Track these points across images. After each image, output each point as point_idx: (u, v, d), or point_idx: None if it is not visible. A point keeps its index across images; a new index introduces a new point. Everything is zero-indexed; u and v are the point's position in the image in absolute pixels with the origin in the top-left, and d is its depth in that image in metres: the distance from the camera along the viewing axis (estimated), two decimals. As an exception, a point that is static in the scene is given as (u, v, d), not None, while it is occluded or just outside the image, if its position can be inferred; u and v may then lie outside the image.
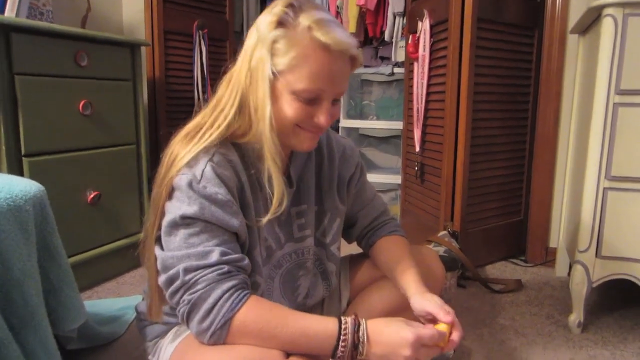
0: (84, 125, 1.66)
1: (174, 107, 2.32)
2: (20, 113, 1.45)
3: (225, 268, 0.76)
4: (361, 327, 0.77)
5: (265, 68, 0.77)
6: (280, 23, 0.78)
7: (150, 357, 0.98)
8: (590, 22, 1.55)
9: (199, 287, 0.75)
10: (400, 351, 0.75)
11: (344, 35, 0.79)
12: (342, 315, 1.13)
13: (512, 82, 1.97)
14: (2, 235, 0.83)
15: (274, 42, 0.77)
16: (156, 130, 2.27)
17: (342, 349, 0.76)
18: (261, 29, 0.79)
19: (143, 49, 2.11)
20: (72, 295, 1.02)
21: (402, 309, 1.09)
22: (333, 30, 0.78)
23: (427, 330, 0.78)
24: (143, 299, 1.03)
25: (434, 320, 0.86)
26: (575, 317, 1.43)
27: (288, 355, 0.78)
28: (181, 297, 0.76)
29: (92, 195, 1.68)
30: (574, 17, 1.85)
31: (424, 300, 0.88)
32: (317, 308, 1.13)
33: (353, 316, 0.78)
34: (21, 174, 1.47)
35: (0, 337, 0.78)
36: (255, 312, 0.76)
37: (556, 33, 1.90)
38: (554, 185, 2.01)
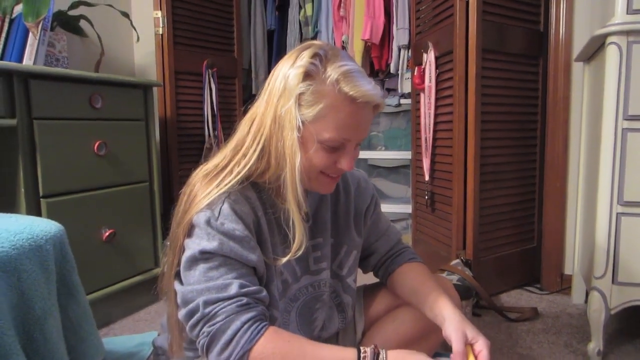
0: (99, 165, 1.70)
1: (185, 144, 2.37)
2: (39, 156, 1.49)
3: (245, 300, 0.78)
4: (380, 356, 0.77)
5: (294, 119, 0.79)
6: (308, 75, 0.80)
7: (167, 393, 0.98)
8: (595, 50, 1.58)
9: (218, 319, 0.76)
10: None
11: (369, 87, 0.81)
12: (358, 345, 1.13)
13: (520, 110, 1.99)
14: (24, 275, 0.85)
15: (302, 94, 0.79)
16: (168, 167, 2.31)
17: None
18: (289, 80, 0.80)
19: (155, 89, 2.17)
20: (91, 332, 1.03)
21: (418, 340, 1.09)
22: (359, 83, 0.80)
23: None
24: (159, 334, 1.04)
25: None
26: (595, 345, 1.40)
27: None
28: (201, 329, 0.77)
29: (107, 233, 1.70)
30: (578, 45, 1.89)
31: (463, 322, 0.88)
32: (332, 340, 1.13)
33: (372, 346, 0.78)
34: (39, 214, 1.50)
35: (22, 377, 0.79)
36: (274, 343, 0.77)
37: (561, 61, 1.94)
38: (567, 212, 2.00)
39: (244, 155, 0.85)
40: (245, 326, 0.76)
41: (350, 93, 0.79)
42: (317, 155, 0.83)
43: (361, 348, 0.78)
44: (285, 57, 0.84)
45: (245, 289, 0.79)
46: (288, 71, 0.81)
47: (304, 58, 0.80)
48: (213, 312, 0.76)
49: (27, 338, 0.85)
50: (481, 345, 0.85)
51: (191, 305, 0.78)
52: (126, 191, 1.82)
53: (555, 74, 1.95)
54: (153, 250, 1.94)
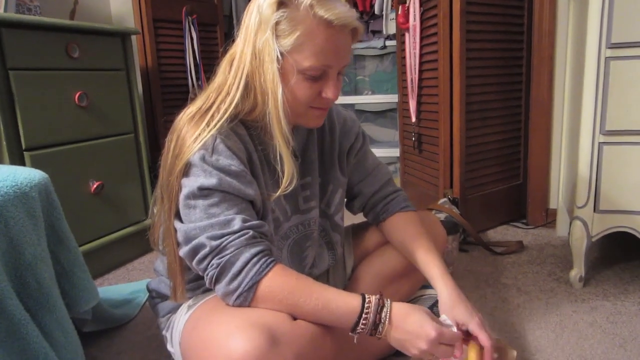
0: (82, 116, 1.67)
1: (168, 94, 2.33)
2: (18, 108, 1.46)
3: (250, 233, 0.79)
4: (384, 309, 0.79)
5: (272, 50, 0.78)
6: (281, 3, 0.78)
7: (164, 332, 1.01)
8: (578, -21, 1.55)
9: (227, 251, 0.77)
10: (418, 342, 0.77)
11: (344, 9, 0.80)
12: (348, 281, 1.16)
13: (505, 46, 1.97)
14: (12, 222, 0.86)
15: (277, 23, 0.78)
16: (153, 118, 2.29)
17: (363, 326, 0.78)
18: (263, 11, 0.79)
19: (134, 38, 2.10)
20: (83, 277, 1.05)
21: (406, 274, 1.12)
22: (334, 6, 0.79)
23: (449, 332, 0.80)
24: (156, 277, 1.06)
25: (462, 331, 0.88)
26: (576, 272, 1.46)
27: (295, 318, 0.80)
28: (210, 262, 0.78)
29: (95, 185, 1.70)
30: (562, -23, 1.85)
31: (458, 309, 0.89)
32: (323, 277, 1.16)
33: (378, 295, 0.79)
34: (24, 167, 1.49)
35: (19, 319, 0.81)
36: (282, 279, 0.79)
37: (546, -6, 1.90)
38: (552, 148, 2.02)
39: (228, 93, 0.84)
40: (255, 258, 0.78)
41: (326, 16, 0.77)
42: (300, 87, 0.82)
43: (366, 296, 0.79)
44: None
45: (249, 223, 0.80)
46: (262, 2, 0.79)
47: None
48: (222, 245, 0.77)
49: (20, 283, 0.86)
50: (474, 327, 0.87)
51: (195, 242, 0.79)
52: (112, 143, 1.80)
53: (540, 8, 1.91)
54: (143, 201, 1.95)
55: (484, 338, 0.85)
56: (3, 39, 1.42)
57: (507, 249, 1.78)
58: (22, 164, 1.49)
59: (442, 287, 0.93)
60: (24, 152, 1.49)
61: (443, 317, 0.90)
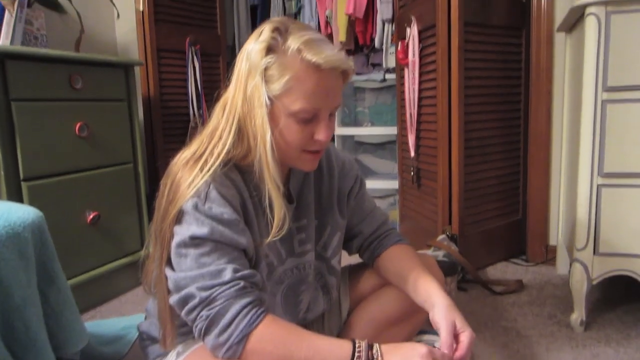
0: (81, 147, 1.68)
1: (169, 123, 2.34)
2: (18, 138, 1.46)
3: (241, 284, 0.78)
4: (375, 345, 0.77)
5: (261, 95, 0.79)
6: (270, 49, 0.79)
7: (153, 376, 0.98)
8: (575, 20, 1.57)
9: (217, 302, 0.76)
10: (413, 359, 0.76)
11: (333, 52, 0.80)
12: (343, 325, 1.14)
13: (503, 82, 1.98)
14: (2, 263, 0.84)
15: (266, 69, 0.79)
16: (153, 147, 2.29)
17: None
18: (252, 58, 0.80)
19: (137, 68, 2.13)
20: (72, 319, 1.03)
21: (403, 319, 1.10)
22: (322, 49, 0.79)
23: (440, 352, 0.79)
24: (146, 318, 1.04)
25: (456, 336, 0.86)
26: (577, 315, 1.43)
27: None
28: (199, 313, 0.77)
29: (91, 216, 1.69)
30: (560, 16, 1.87)
31: (452, 310, 0.88)
32: (318, 322, 1.14)
33: (366, 340, 0.78)
34: (20, 198, 1.49)
35: (3, 365, 0.79)
36: (272, 330, 0.77)
37: (543, 32, 1.92)
38: (551, 183, 2.02)
39: (220, 138, 0.84)
40: (245, 310, 0.76)
41: (314, 60, 0.78)
42: (291, 130, 0.82)
43: (356, 341, 0.78)
44: (249, 38, 0.83)
45: (240, 273, 0.79)
46: (251, 49, 0.80)
47: (265, 33, 0.80)
48: (212, 296, 0.76)
49: (6, 327, 0.84)
50: (465, 337, 0.85)
51: (185, 292, 0.77)
52: (110, 173, 1.80)
53: (537, 45, 1.94)
54: (139, 231, 1.93)
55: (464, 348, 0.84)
56: (7, 70, 1.43)
57: (506, 288, 1.76)
58: (19, 194, 1.49)
59: (440, 297, 0.91)
60: (22, 182, 1.49)
61: (436, 345, 0.88)
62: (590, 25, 1.30)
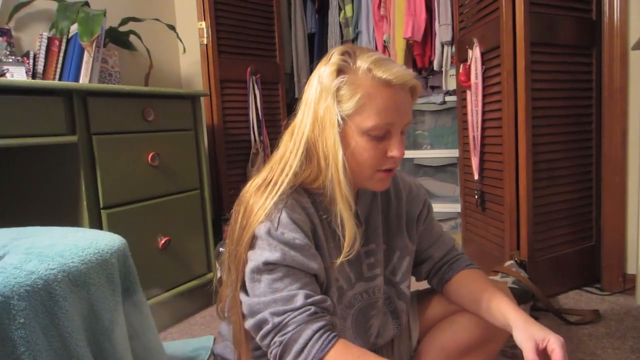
0: (153, 175, 1.76)
1: (232, 150, 2.42)
2: (98, 169, 1.56)
3: (312, 309, 0.79)
4: None
5: (333, 116, 0.81)
6: (341, 70, 0.82)
7: (227, 400, 1.00)
8: (652, 38, 1.50)
9: (289, 328, 0.78)
10: None
11: (402, 69, 0.83)
12: (414, 352, 1.12)
13: (573, 103, 1.91)
14: (93, 288, 0.89)
15: (338, 89, 0.82)
16: (217, 174, 2.37)
17: None
18: (323, 80, 0.83)
19: (202, 98, 2.23)
20: (154, 340, 1.07)
21: (476, 347, 1.07)
22: (391, 67, 0.82)
23: None
24: (216, 341, 1.07)
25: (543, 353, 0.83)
26: (665, 349, 1.33)
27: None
28: (272, 339, 0.79)
29: (163, 241, 1.76)
30: (634, 34, 1.80)
31: (530, 326, 0.84)
32: (388, 347, 1.12)
33: None
34: (100, 225, 1.58)
35: (94, 385, 0.83)
36: (344, 354, 0.78)
37: (616, 51, 1.85)
38: (627, 207, 1.91)
39: (287, 162, 0.86)
40: (317, 335, 0.77)
41: (384, 77, 0.80)
42: (364, 148, 0.83)
43: None
44: (318, 66, 0.87)
45: (311, 299, 0.80)
46: (322, 72, 0.83)
47: (334, 57, 0.83)
48: (284, 322, 0.78)
49: (97, 348, 0.89)
50: (553, 344, 0.81)
51: (259, 317, 0.80)
52: (179, 199, 1.88)
53: (610, 64, 1.86)
54: (205, 254, 1.99)
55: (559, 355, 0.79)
56: (89, 107, 1.54)
57: (581, 318, 1.66)
58: (99, 221, 1.58)
59: (514, 314, 0.88)
60: (101, 210, 1.58)
61: None
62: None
